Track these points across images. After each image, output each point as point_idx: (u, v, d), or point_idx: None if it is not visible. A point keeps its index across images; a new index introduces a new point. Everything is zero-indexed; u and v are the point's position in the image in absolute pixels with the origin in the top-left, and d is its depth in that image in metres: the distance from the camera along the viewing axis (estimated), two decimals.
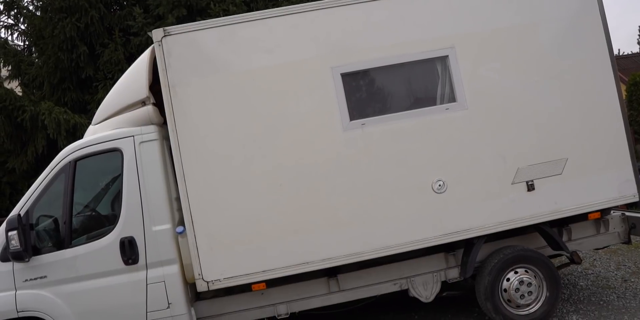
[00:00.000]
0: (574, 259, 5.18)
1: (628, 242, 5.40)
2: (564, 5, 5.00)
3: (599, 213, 5.11)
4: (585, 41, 5.00)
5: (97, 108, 5.29)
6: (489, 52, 4.88)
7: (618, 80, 5.08)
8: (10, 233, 4.37)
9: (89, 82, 10.05)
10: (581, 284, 6.16)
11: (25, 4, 10.85)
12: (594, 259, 7.10)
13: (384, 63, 4.77)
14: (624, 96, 11.29)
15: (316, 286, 4.89)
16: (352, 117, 4.71)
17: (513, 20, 4.92)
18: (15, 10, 10.74)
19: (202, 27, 4.72)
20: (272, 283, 4.72)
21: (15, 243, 4.36)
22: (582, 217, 5.11)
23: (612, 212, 5.37)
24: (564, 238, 5.22)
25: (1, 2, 10.61)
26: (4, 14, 10.77)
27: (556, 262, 5.82)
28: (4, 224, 4.48)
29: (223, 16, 8.48)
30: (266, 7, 9.89)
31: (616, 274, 6.34)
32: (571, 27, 4.98)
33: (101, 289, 4.55)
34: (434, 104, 4.85)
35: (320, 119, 4.70)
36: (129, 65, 5.25)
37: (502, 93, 4.86)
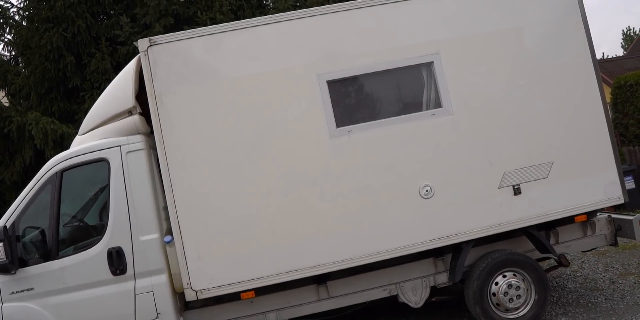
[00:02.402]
0: (562, 261, 5.21)
1: (615, 244, 5.44)
2: (547, 10, 5.07)
3: (585, 216, 5.16)
4: (568, 45, 5.06)
5: (84, 118, 5.27)
6: (474, 57, 4.93)
7: (601, 83, 5.15)
8: None
9: (76, 92, 10.01)
10: (570, 286, 6.20)
11: (12, 14, 10.82)
12: (582, 261, 7.15)
13: (369, 70, 4.81)
14: (608, 99, 11.44)
15: (306, 293, 4.89)
16: (339, 124, 4.73)
17: (497, 26, 4.98)
18: (2, 20, 10.68)
19: (188, 36, 4.73)
20: (261, 291, 4.70)
21: (1, 255, 4.32)
22: (568, 220, 5.16)
23: (598, 214, 5.41)
24: (552, 241, 5.26)
25: None
26: None
27: (544, 265, 5.86)
28: None
29: (210, 24, 8.53)
30: (253, 15, 9.95)
31: (604, 276, 6.39)
32: (554, 32, 5.05)
33: (89, 300, 4.52)
34: (420, 109, 4.88)
35: (307, 126, 4.71)
36: (117, 74, 5.25)
37: (487, 98, 4.91)
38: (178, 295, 4.67)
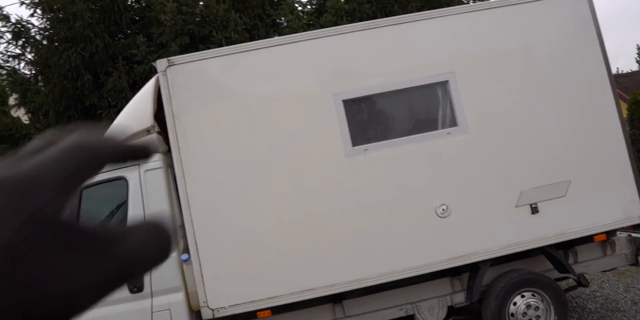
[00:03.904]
0: (581, 281, 5.13)
1: (636, 263, 5.35)
2: (561, 27, 5.08)
3: (604, 235, 5.09)
4: (583, 62, 5.06)
5: None
6: (489, 75, 4.94)
7: (617, 99, 5.12)
8: None
9: (93, 110, 10.17)
10: (590, 307, 6.08)
11: (33, 34, 11.07)
12: (602, 281, 7.02)
13: (385, 89, 4.84)
14: (625, 115, 11.33)
15: (321, 312, 4.86)
16: (355, 143, 4.74)
17: (511, 44, 4.99)
18: (23, 40, 10.94)
19: (205, 57, 4.80)
20: (277, 310, 4.69)
21: None
22: (587, 239, 5.09)
23: (618, 233, 5.34)
24: (570, 260, 5.19)
25: (10, 32, 10.83)
26: (12, 43, 10.97)
27: (563, 284, 5.77)
28: None
29: (225, 43, 8.66)
30: (267, 34, 10.08)
31: (625, 297, 6.27)
32: (569, 48, 5.05)
33: (106, 318, 4.48)
34: (436, 128, 4.89)
35: (323, 145, 4.73)
36: (133, 92, 5.35)
37: (503, 116, 4.90)
38: (194, 313, 4.67)
